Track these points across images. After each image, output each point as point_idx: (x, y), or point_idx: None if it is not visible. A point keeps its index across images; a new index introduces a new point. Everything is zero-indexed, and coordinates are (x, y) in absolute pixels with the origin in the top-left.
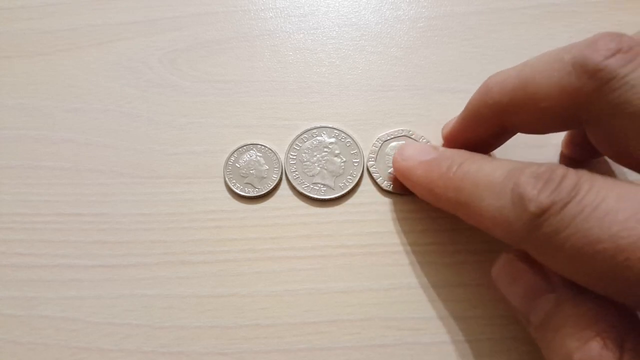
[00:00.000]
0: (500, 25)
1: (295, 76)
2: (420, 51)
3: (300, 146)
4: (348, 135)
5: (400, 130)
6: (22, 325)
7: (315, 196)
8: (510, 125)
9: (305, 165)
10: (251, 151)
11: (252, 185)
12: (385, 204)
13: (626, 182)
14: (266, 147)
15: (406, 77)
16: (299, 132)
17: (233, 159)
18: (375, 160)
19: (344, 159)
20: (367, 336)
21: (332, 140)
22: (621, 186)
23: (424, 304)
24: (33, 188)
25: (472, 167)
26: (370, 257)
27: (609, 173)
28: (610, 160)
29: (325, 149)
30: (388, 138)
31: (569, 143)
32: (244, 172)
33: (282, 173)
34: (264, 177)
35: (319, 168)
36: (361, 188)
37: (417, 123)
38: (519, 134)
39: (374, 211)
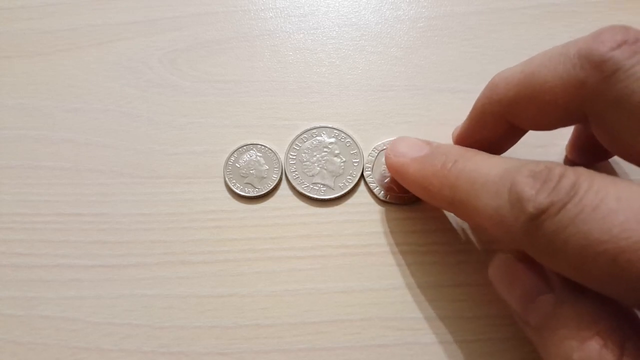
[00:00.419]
0: (500, 25)
1: (295, 76)
2: (420, 51)
3: (300, 146)
4: (348, 135)
5: None
6: (22, 325)
7: (315, 196)
8: (517, 121)
9: (305, 165)
10: (251, 151)
11: (252, 185)
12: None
13: (625, 180)
14: (266, 147)
15: (406, 77)
16: (298, 132)
17: (233, 159)
18: (372, 170)
19: (344, 159)
20: (367, 336)
21: (332, 140)
22: (620, 185)
23: (424, 304)
24: (33, 188)
25: (467, 164)
26: (370, 257)
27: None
28: (612, 164)
29: (325, 149)
30: (384, 147)
31: (573, 147)
32: (244, 172)
33: (282, 173)
34: (264, 177)
35: (318, 168)
36: (361, 188)
37: (417, 123)
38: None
39: (374, 211)
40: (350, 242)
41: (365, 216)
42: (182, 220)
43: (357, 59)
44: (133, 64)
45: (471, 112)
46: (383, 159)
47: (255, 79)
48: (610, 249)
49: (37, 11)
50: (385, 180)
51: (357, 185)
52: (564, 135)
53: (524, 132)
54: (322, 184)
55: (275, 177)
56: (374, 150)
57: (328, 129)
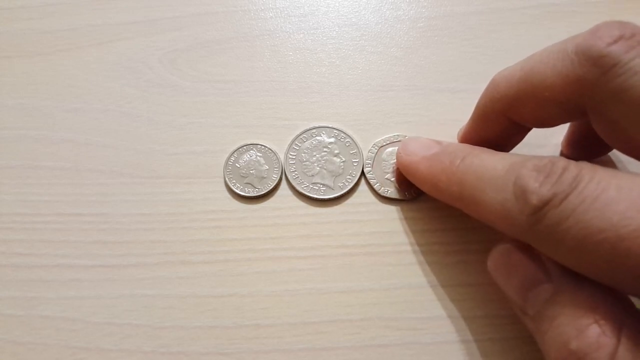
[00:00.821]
0: (500, 25)
1: (295, 76)
2: (420, 51)
3: (300, 146)
4: (347, 135)
5: (397, 136)
6: (22, 325)
7: (315, 196)
8: (518, 118)
9: (304, 165)
10: (251, 151)
11: (252, 185)
12: (383, 203)
13: (627, 173)
14: (266, 147)
15: (406, 77)
16: (298, 132)
17: (233, 159)
18: (372, 167)
19: (343, 159)
20: (367, 336)
21: (332, 140)
22: (622, 177)
23: (424, 304)
24: (33, 188)
25: (474, 160)
26: (370, 257)
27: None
28: (610, 160)
29: (324, 149)
30: (384, 144)
31: (569, 143)
32: (244, 172)
33: (282, 173)
34: (264, 177)
35: (318, 168)
36: (360, 188)
37: (417, 123)
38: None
39: (374, 211)
40: (350, 242)
41: (365, 216)
42: (182, 220)
43: (357, 59)
44: (133, 64)
45: (474, 112)
46: (383, 156)
47: (255, 79)
48: (610, 237)
49: (37, 11)
50: (386, 177)
51: (356, 185)
52: (560, 133)
53: (527, 129)
54: (321, 184)
55: (275, 177)
56: (373, 147)
57: (328, 129)
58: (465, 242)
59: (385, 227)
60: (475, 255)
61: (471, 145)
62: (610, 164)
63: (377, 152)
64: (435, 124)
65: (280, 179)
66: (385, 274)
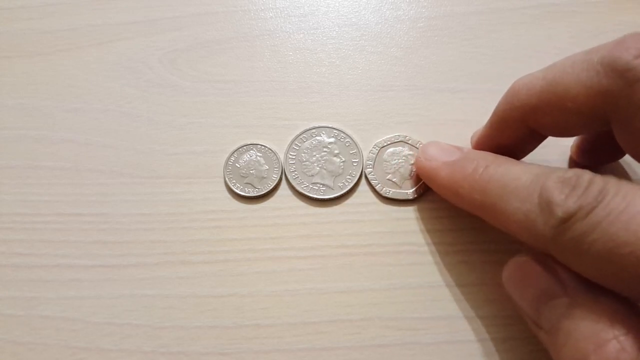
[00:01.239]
0: (500, 25)
1: (295, 76)
2: (420, 51)
3: (300, 146)
4: (347, 135)
5: (397, 136)
6: (22, 325)
7: (315, 196)
8: (538, 127)
9: (304, 165)
10: (251, 151)
11: (252, 185)
12: (383, 204)
13: None
14: (266, 147)
15: (406, 77)
16: (298, 132)
17: (233, 159)
18: (373, 167)
19: (343, 159)
20: (367, 336)
21: (332, 140)
22: None
23: (424, 304)
24: (33, 188)
25: (498, 169)
26: (370, 257)
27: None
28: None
29: (324, 149)
30: (385, 144)
31: (579, 149)
32: (244, 172)
33: (282, 173)
34: (264, 177)
35: (318, 168)
36: (360, 188)
37: (417, 123)
38: None
39: (374, 211)
40: (350, 242)
41: (365, 216)
42: (182, 220)
43: (357, 59)
44: (133, 64)
45: (492, 118)
46: (384, 156)
47: (255, 79)
48: (636, 250)
49: (37, 11)
50: (387, 177)
51: (356, 185)
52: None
53: (543, 137)
54: (321, 184)
55: (275, 177)
56: (374, 148)
57: (327, 129)
58: (466, 242)
59: (385, 227)
60: (475, 256)
61: (493, 154)
62: (620, 170)
63: (378, 153)
64: (435, 124)
65: (280, 179)
66: (385, 274)
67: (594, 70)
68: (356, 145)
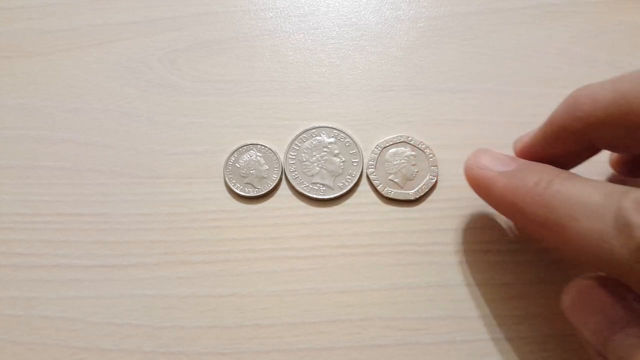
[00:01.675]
0: (500, 25)
1: (295, 76)
2: (420, 51)
3: (300, 146)
4: (347, 135)
5: (400, 136)
6: (22, 325)
7: (315, 196)
8: (600, 141)
9: (304, 165)
10: (251, 151)
11: (252, 185)
12: (384, 204)
13: None
14: (266, 147)
15: (406, 77)
16: (298, 132)
17: (233, 159)
18: (375, 168)
19: (343, 159)
20: (367, 336)
21: (331, 140)
22: None
23: (424, 304)
24: (33, 188)
25: (564, 184)
26: (370, 257)
27: None
28: None
29: (324, 149)
30: (387, 145)
31: (620, 162)
32: (244, 172)
33: (282, 173)
34: (264, 177)
35: (318, 168)
36: (360, 188)
37: (417, 123)
38: None
39: (374, 211)
40: (350, 242)
41: (365, 216)
42: (182, 220)
43: (357, 59)
44: (133, 64)
45: (546, 126)
46: (386, 157)
47: (255, 79)
48: None
49: (37, 11)
50: (389, 178)
51: (356, 185)
52: None
53: (598, 151)
54: (321, 184)
55: (275, 177)
56: (376, 148)
57: (327, 129)
58: (466, 242)
59: (385, 227)
60: (475, 256)
61: (554, 167)
62: None
63: (379, 153)
64: (435, 124)
65: (280, 179)
66: (386, 274)
67: None
68: (356, 145)
